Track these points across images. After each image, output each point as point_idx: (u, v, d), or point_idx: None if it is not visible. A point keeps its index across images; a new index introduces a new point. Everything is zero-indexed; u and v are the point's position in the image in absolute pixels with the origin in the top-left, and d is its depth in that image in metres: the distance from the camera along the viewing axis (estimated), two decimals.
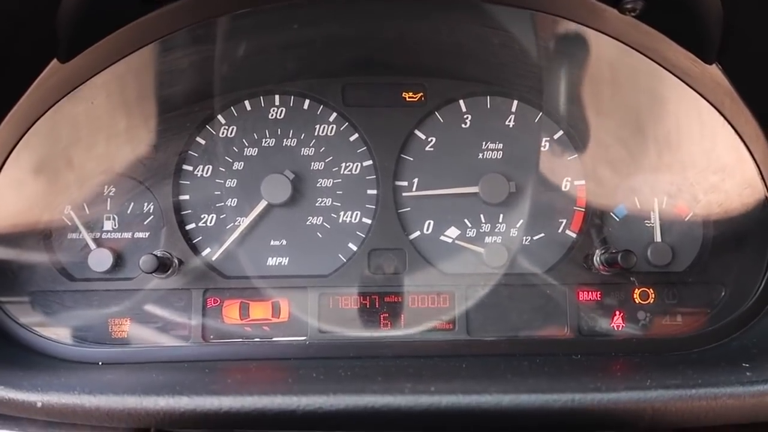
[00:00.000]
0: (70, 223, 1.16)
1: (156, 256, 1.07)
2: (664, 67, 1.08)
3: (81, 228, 1.15)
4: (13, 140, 1.05)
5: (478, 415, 0.79)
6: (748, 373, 0.89)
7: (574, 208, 1.21)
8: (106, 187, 1.17)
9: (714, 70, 1.02)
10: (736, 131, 1.11)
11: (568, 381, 0.89)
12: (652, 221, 1.19)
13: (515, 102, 1.22)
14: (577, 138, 1.21)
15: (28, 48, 0.92)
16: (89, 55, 0.98)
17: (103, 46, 0.98)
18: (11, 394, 0.83)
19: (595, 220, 1.19)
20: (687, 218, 1.19)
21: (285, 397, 0.79)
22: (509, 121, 1.22)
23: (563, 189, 1.21)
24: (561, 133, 1.22)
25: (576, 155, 1.21)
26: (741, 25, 0.92)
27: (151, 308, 1.14)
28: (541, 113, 1.22)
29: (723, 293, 1.17)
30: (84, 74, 1.04)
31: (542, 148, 1.22)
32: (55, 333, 1.11)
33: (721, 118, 1.11)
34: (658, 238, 1.18)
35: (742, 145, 1.11)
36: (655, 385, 0.82)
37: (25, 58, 0.93)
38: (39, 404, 0.83)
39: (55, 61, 0.95)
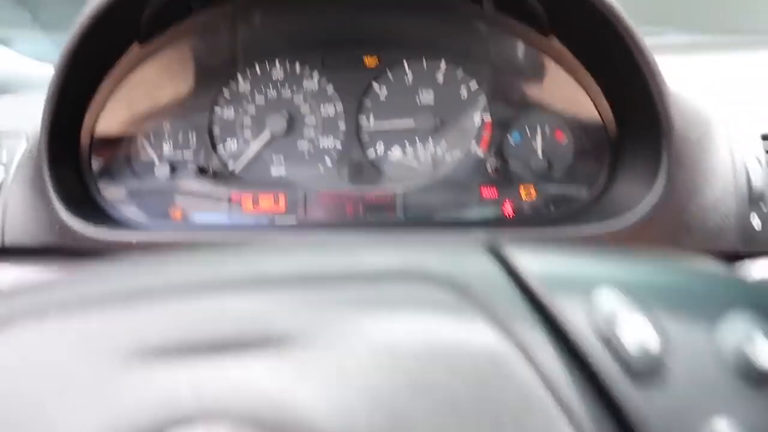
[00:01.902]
0: (141, 148, 1.74)
1: (199, 167, 1.66)
2: (527, 43, 1.60)
3: (150, 150, 1.73)
4: (104, 100, 1.60)
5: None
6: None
7: (483, 133, 1.71)
8: (164, 123, 1.72)
9: (553, 40, 1.51)
10: (575, 79, 1.59)
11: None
12: (536, 144, 1.71)
13: (443, 61, 1.70)
14: (486, 88, 1.72)
15: (122, 34, 1.46)
16: (158, 39, 1.55)
17: (168, 33, 1.55)
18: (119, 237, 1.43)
19: (497, 142, 1.69)
20: (563, 142, 1.70)
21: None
22: (439, 75, 1.73)
23: (475, 121, 1.71)
24: (476, 84, 1.72)
25: (486, 99, 1.72)
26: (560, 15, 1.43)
27: (196, 200, 1.72)
28: (460, 68, 1.70)
29: (585, 192, 1.67)
30: (152, 51, 1.61)
31: (462, 95, 1.73)
32: (135, 213, 1.67)
33: (564, 72, 1.59)
34: (539, 154, 1.70)
35: (581, 88, 1.59)
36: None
37: (117, 42, 1.47)
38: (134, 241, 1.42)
39: (135, 42, 1.50)
